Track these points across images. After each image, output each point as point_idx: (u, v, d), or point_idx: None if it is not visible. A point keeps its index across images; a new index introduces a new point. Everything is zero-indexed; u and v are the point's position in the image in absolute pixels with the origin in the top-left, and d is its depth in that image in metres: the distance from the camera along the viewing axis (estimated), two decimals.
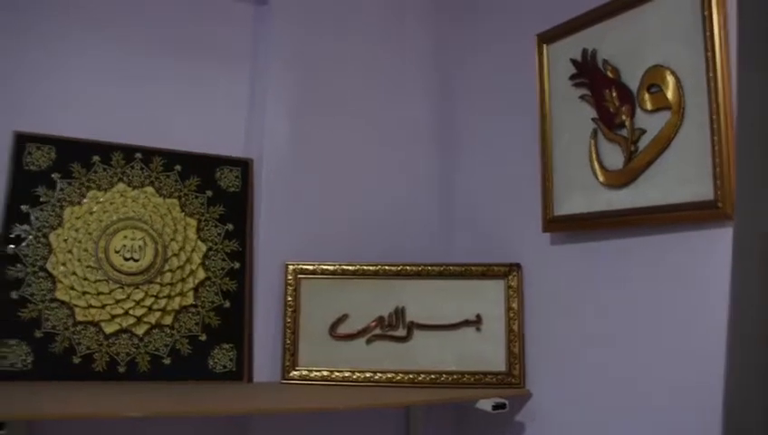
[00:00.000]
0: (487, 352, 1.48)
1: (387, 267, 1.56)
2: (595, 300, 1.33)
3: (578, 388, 1.36)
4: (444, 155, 1.81)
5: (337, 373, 1.52)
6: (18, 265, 1.45)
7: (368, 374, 1.51)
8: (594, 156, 1.34)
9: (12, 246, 1.46)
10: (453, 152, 1.78)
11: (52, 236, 1.48)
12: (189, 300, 1.53)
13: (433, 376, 1.49)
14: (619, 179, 1.29)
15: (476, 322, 1.50)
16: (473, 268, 1.53)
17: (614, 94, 1.30)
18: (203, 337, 1.52)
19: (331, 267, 1.56)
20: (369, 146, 1.73)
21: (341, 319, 1.54)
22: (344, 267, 1.56)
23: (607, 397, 1.29)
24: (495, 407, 1.39)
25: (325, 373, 1.52)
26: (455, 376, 1.48)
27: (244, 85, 1.72)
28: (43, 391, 1.34)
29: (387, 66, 1.78)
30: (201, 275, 1.55)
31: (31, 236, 1.47)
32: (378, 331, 1.53)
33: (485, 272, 1.52)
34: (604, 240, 1.32)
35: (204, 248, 1.56)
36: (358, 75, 1.74)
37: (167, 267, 1.52)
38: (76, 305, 1.46)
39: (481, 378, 1.47)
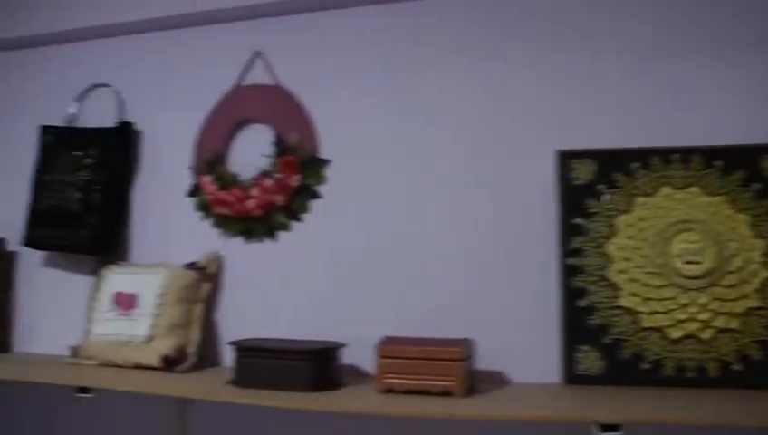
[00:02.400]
0: None
1: None
2: None
3: None
4: None
5: None
6: (580, 275, 1.55)
7: None
8: None
9: (572, 257, 1.56)
10: None
11: (608, 246, 1.55)
12: (754, 302, 1.49)
13: None
14: None
15: None
16: None
17: None
18: None
19: None
20: None
21: None
22: None
23: None
24: None
25: None
26: None
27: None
28: (621, 395, 1.46)
29: None
30: (764, 274, 1.50)
31: (588, 247, 1.56)
32: None
33: None
34: None
35: (761, 245, 1.52)
36: None
37: (728, 268, 1.50)
38: (640, 312, 1.52)
39: None
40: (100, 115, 2.04)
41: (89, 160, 1.94)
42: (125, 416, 1.87)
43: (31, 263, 2.10)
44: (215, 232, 1.87)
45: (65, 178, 1.96)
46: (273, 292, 1.79)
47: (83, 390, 1.57)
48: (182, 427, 1.79)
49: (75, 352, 1.83)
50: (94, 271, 1.92)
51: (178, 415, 1.79)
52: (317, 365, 1.53)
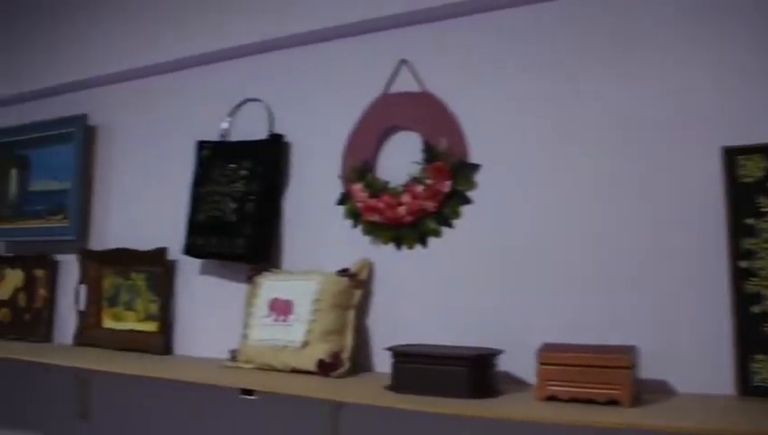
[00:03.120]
0: None
1: None
2: None
3: None
4: None
5: None
6: (754, 279, 1.45)
7: None
8: None
9: (744, 260, 1.45)
10: None
11: None
12: None
13: None
14: None
15: None
16: None
17: None
18: None
19: None
20: None
21: None
22: None
23: None
24: None
25: None
26: None
27: None
28: None
29: None
30: None
31: (762, 249, 1.46)
32: None
33: None
34: None
35: None
36: None
37: None
38: None
39: None
40: (251, 129, 2.11)
41: (243, 172, 2.02)
42: (284, 418, 1.92)
43: (189, 270, 2.19)
44: (364, 239, 1.90)
45: (221, 190, 2.04)
46: (424, 298, 1.80)
47: (247, 392, 1.60)
48: (337, 431, 1.81)
49: (234, 355, 1.89)
50: (250, 278, 1.97)
51: (333, 419, 1.81)
52: (477, 372, 1.52)
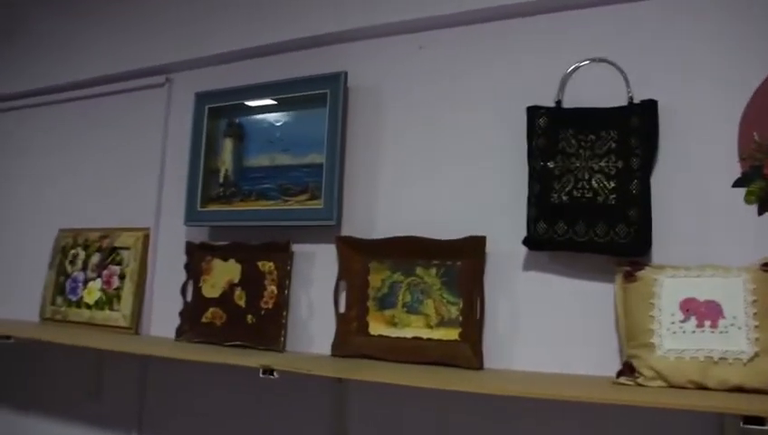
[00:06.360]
0: None
1: None
2: None
3: None
4: None
5: None
6: None
7: None
8: None
9: None
10: None
11: None
12: None
13: None
14: None
15: None
16: None
17: None
18: None
19: None
20: None
21: None
22: None
23: None
24: None
25: None
26: None
27: None
28: None
29: None
30: None
31: None
32: None
33: None
34: None
35: None
36: None
37: None
38: None
39: None
40: (588, 93, 1.70)
41: (612, 145, 1.59)
42: None
43: (502, 264, 1.76)
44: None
45: (588, 166, 1.60)
46: None
47: (755, 420, 1.20)
48: None
49: (632, 370, 1.47)
50: (629, 274, 1.58)
51: None
52: None
